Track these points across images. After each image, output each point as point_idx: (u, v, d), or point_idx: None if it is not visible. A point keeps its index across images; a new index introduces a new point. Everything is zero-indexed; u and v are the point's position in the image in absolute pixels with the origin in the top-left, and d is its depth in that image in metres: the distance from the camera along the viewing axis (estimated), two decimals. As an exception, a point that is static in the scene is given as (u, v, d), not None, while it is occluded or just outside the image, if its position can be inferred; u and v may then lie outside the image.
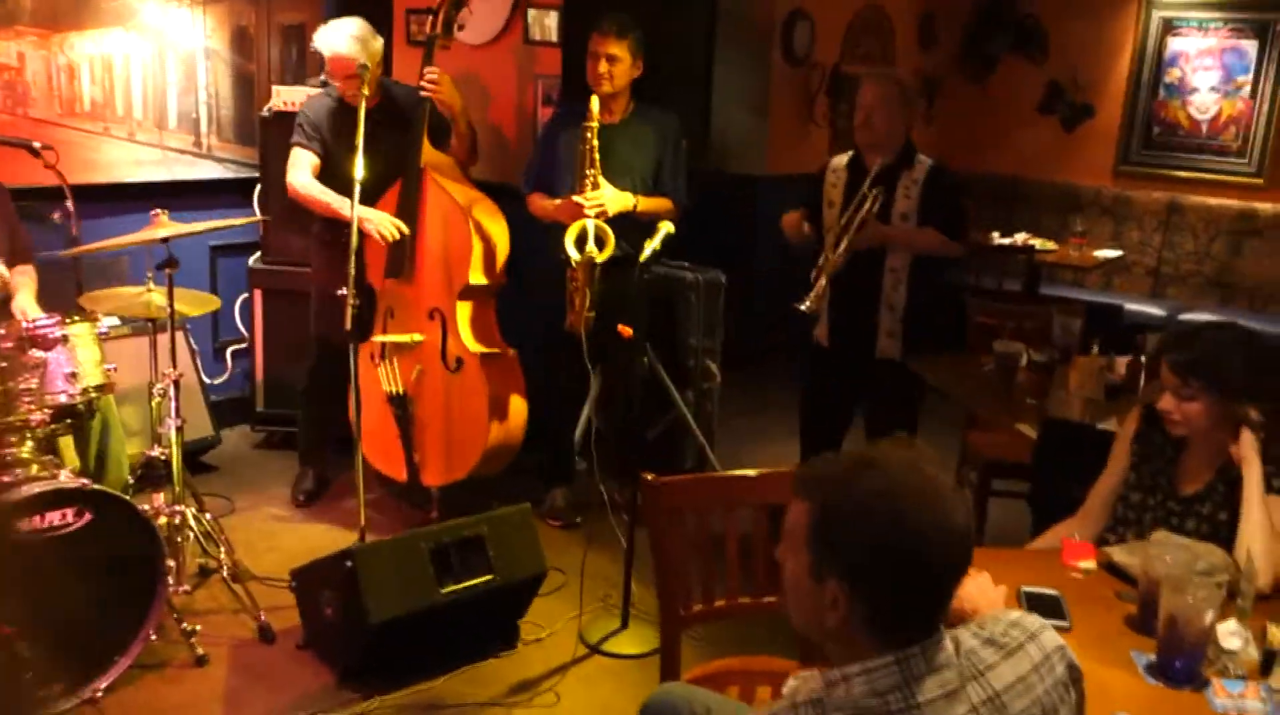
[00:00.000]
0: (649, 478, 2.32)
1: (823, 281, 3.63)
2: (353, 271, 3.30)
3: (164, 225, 3.16)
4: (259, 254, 4.75)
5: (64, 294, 3.72)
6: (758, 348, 6.02)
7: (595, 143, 3.74)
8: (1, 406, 2.84)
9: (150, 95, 4.60)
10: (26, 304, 3.42)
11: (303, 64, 5.06)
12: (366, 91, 3.52)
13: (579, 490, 4.26)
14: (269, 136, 4.61)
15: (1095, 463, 2.66)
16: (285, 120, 4.52)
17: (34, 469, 2.86)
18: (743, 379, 5.43)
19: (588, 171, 3.76)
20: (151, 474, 3.45)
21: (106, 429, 3.50)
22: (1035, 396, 3.34)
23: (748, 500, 2.35)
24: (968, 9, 7.34)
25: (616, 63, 3.82)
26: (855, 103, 3.71)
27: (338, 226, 3.90)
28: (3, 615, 2.75)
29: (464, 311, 3.89)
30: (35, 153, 3.52)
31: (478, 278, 3.85)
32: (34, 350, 2.93)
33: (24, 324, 2.94)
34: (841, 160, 3.81)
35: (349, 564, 2.95)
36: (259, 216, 4.58)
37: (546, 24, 4.79)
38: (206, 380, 4.70)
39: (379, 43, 3.89)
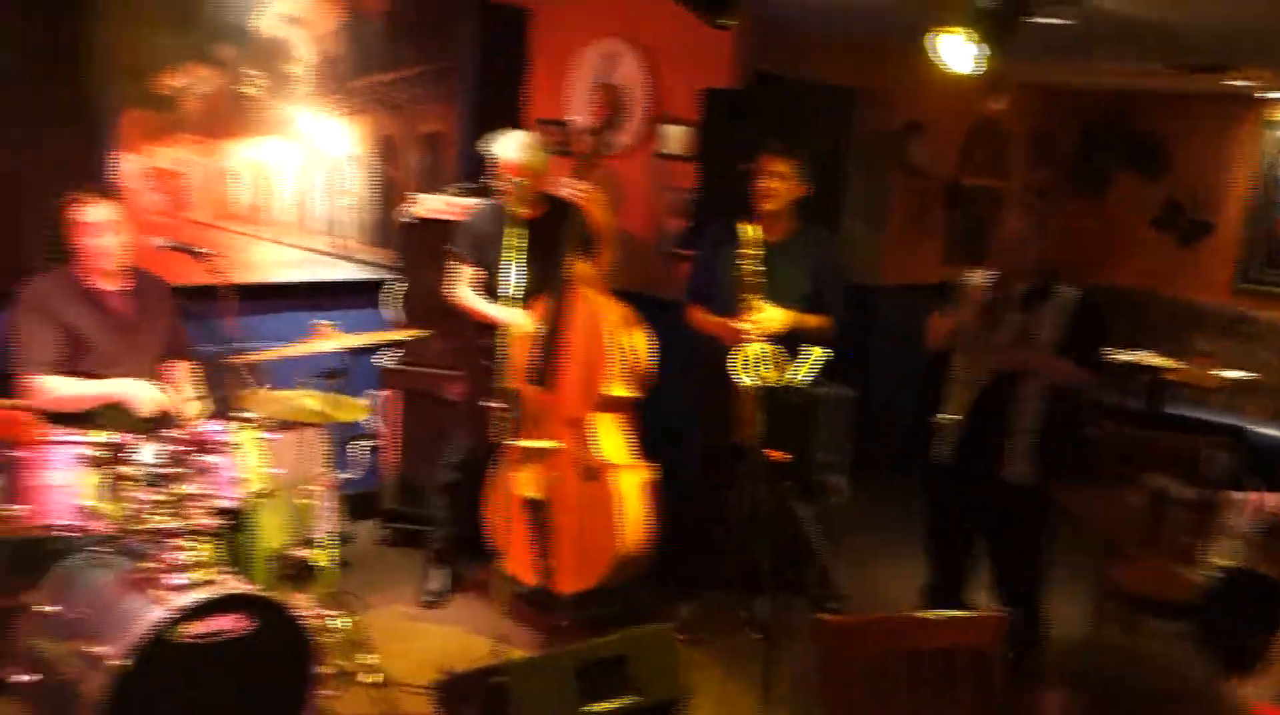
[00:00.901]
0: (824, 618, 2.30)
1: (967, 396, 3.63)
2: (505, 380, 3.37)
3: (330, 336, 3.28)
4: (394, 353, 4.86)
5: (217, 390, 3.85)
6: (874, 461, 5.96)
7: (755, 267, 3.83)
8: (175, 511, 2.93)
9: (298, 199, 4.79)
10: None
11: (439, 170, 5.24)
12: (523, 210, 3.61)
13: (707, 603, 4.23)
14: (409, 240, 4.77)
15: (1268, 610, 2.58)
16: (425, 226, 4.69)
17: (200, 573, 2.93)
18: (860, 494, 5.37)
19: (748, 295, 3.84)
20: (295, 573, 3.52)
21: (251, 530, 3.58)
22: (1192, 536, 3.26)
23: (929, 645, 2.32)
24: (1080, 126, 7.36)
25: (781, 179, 3.95)
26: (1000, 229, 3.72)
27: (490, 334, 4.01)
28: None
29: (602, 422, 3.95)
30: (200, 257, 3.66)
31: (618, 389, 3.91)
32: (204, 455, 3.03)
33: (197, 429, 3.04)
34: (979, 277, 3.81)
35: (499, 680, 2.96)
36: (406, 325, 4.64)
37: (679, 138, 4.91)
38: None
39: (545, 156, 4.06)
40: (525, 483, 3.95)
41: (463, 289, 4.08)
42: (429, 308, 4.30)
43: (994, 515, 3.81)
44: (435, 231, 4.64)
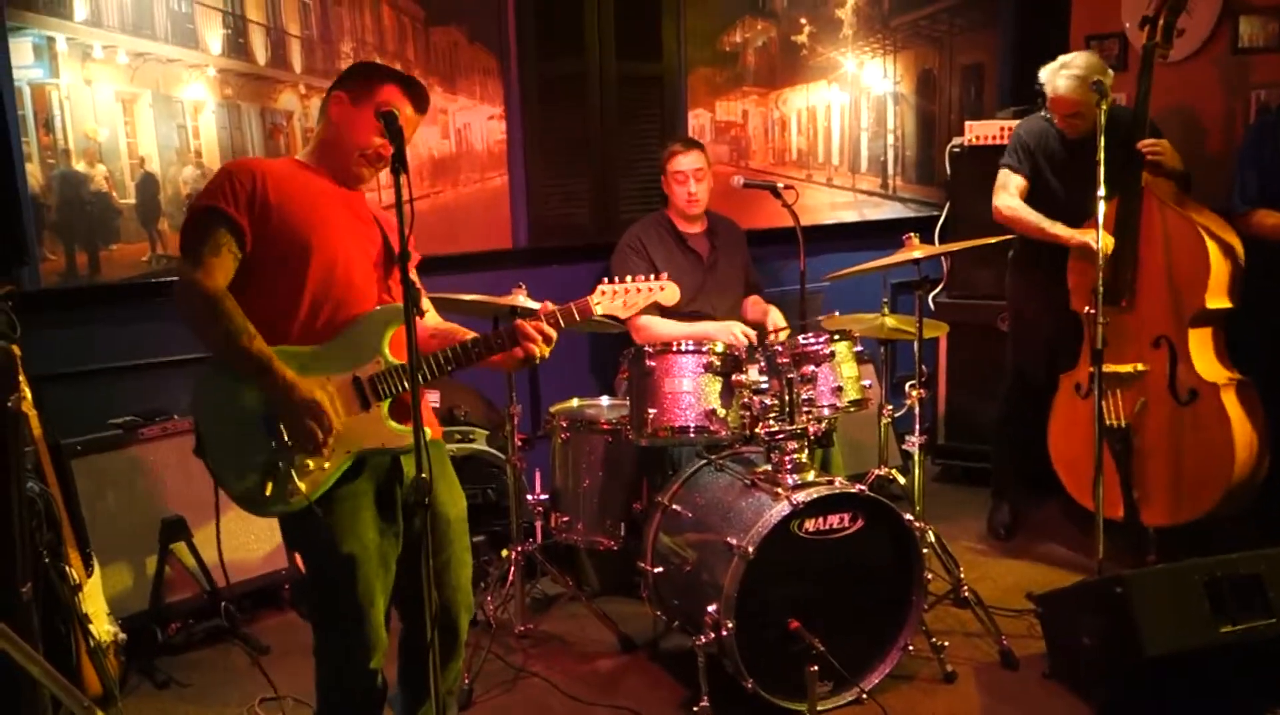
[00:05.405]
0: None
1: None
2: (1101, 288, 3.19)
3: (917, 248, 3.31)
4: (941, 289, 4.83)
5: (790, 320, 4.06)
6: None
7: None
8: (787, 414, 3.11)
9: (845, 142, 4.92)
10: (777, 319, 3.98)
11: (980, 101, 5.12)
12: (1073, 133, 3.36)
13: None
14: (959, 170, 4.70)
15: None
16: (977, 154, 4.59)
17: (811, 474, 3.08)
18: None
19: None
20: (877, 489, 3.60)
21: (836, 441, 3.72)
22: None
23: None
24: None
25: None
26: None
27: (1038, 253, 3.84)
28: (791, 610, 2.89)
29: (1196, 338, 3.62)
30: (778, 194, 3.86)
31: (1216, 301, 3.56)
32: (808, 365, 3.18)
33: (800, 340, 3.21)
34: None
35: (1118, 590, 2.81)
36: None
37: (1263, 28, 4.39)
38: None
39: (1108, 79, 3.77)
40: (1108, 410, 3.72)
41: (1014, 200, 3.85)
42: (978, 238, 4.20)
43: None
44: (985, 159, 4.53)
